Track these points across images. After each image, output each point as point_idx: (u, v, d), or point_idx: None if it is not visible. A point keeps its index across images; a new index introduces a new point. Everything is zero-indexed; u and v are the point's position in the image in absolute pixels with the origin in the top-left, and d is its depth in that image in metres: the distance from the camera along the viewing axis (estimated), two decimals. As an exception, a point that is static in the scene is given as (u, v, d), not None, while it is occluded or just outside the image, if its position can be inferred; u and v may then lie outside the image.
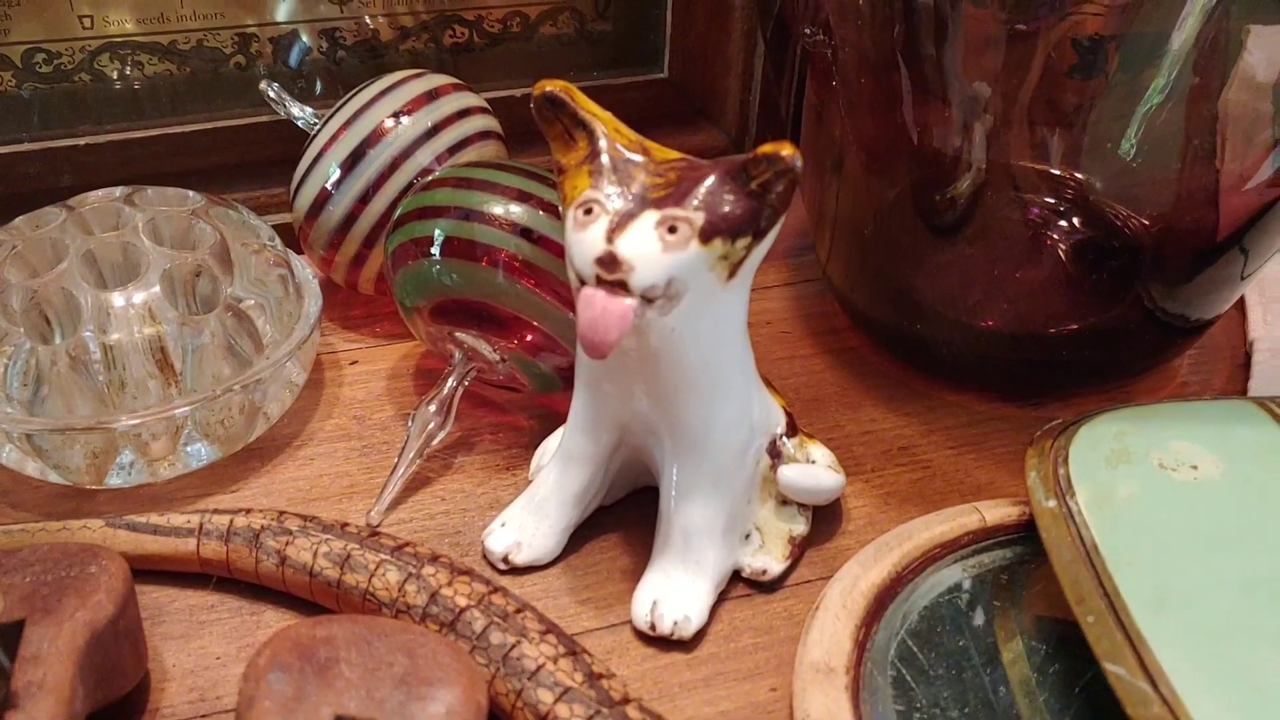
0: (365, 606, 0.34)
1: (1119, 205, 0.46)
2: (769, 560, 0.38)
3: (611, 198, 0.32)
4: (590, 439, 0.37)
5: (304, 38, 0.56)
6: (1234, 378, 0.50)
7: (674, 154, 0.34)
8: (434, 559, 0.35)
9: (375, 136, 0.46)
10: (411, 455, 0.41)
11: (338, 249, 0.47)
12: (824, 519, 0.40)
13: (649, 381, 0.35)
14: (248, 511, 0.37)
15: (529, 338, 0.41)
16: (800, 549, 0.38)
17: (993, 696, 0.33)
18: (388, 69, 0.53)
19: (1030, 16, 0.40)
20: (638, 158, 0.33)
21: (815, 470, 0.38)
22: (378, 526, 0.39)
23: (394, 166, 0.46)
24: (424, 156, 0.46)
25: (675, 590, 0.36)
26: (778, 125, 0.59)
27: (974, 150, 0.43)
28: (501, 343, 0.41)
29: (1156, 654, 0.29)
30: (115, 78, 0.54)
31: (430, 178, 0.43)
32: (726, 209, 0.31)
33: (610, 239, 0.31)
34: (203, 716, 0.33)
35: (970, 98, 0.42)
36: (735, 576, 0.38)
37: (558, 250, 0.39)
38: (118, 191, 0.44)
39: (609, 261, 0.31)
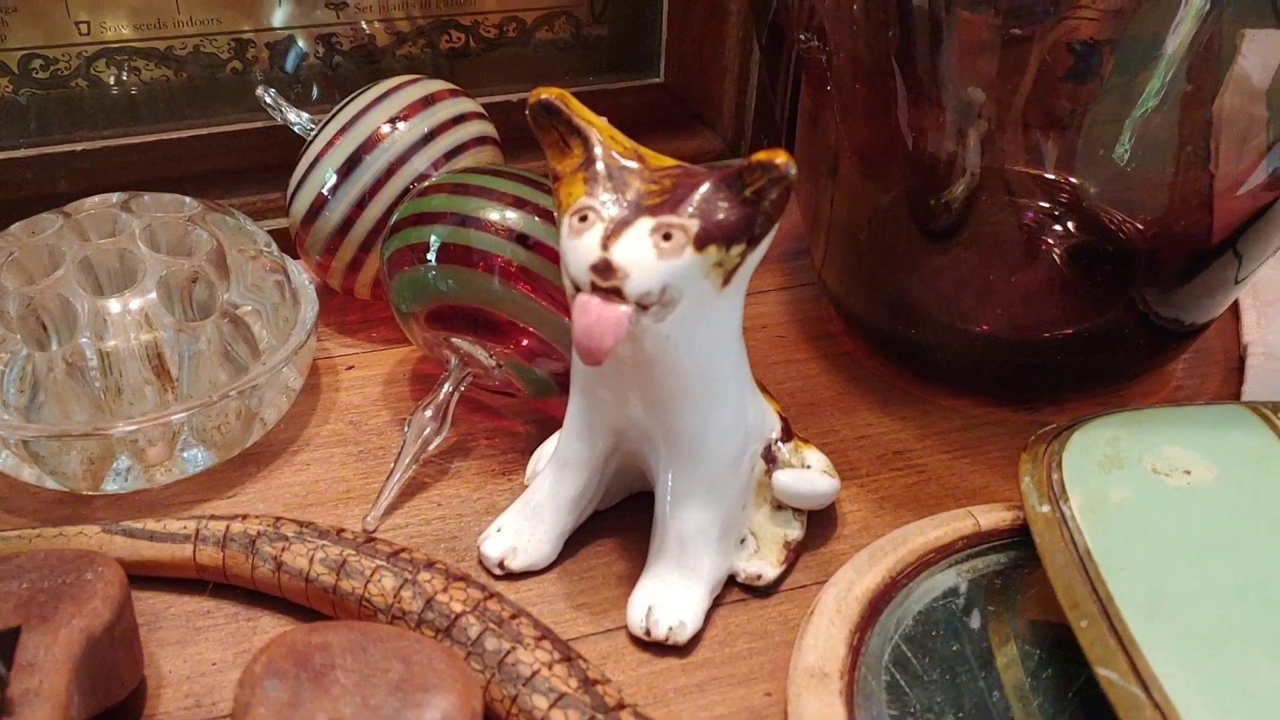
0: (361, 612, 0.35)
1: (1114, 210, 0.46)
2: (764, 565, 0.38)
3: (606, 205, 0.32)
4: (585, 444, 0.38)
5: (300, 43, 0.56)
6: (1228, 381, 0.50)
7: (669, 161, 0.34)
8: (430, 565, 0.35)
9: (371, 142, 0.46)
10: (407, 461, 0.41)
11: (334, 254, 0.47)
12: (819, 523, 0.40)
13: (644, 388, 0.35)
14: (244, 517, 0.37)
15: (525, 343, 0.41)
16: (795, 554, 0.39)
17: (987, 701, 0.33)
18: (384, 74, 0.53)
19: (1025, 21, 0.40)
20: (633, 165, 0.33)
21: (810, 475, 0.38)
22: (374, 532, 0.39)
23: (390, 172, 0.46)
24: (420, 162, 0.46)
25: (670, 596, 0.36)
26: (773, 130, 0.59)
27: (968, 155, 0.43)
28: (497, 348, 0.41)
29: (1149, 659, 0.29)
30: (112, 83, 0.54)
31: (426, 184, 0.43)
32: (721, 216, 0.31)
33: (605, 246, 0.31)
34: (199, 722, 0.33)
35: (964, 103, 0.42)
36: (730, 581, 0.38)
37: (553, 256, 0.39)
38: (114, 198, 0.44)
39: (604, 268, 0.31)
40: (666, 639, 0.35)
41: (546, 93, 0.34)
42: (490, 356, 0.41)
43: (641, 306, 0.31)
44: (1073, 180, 0.46)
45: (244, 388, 0.40)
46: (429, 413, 0.41)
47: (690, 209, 0.31)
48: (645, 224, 0.31)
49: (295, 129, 0.51)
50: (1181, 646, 0.30)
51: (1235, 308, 0.54)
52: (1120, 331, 0.46)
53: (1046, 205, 0.46)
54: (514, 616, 0.33)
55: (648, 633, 0.35)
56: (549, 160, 0.34)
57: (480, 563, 0.38)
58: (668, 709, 0.34)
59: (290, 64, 0.57)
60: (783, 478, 0.38)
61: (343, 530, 0.37)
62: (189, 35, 0.54)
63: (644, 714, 0.31)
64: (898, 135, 0.44)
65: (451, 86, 0.49)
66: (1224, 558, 0.33)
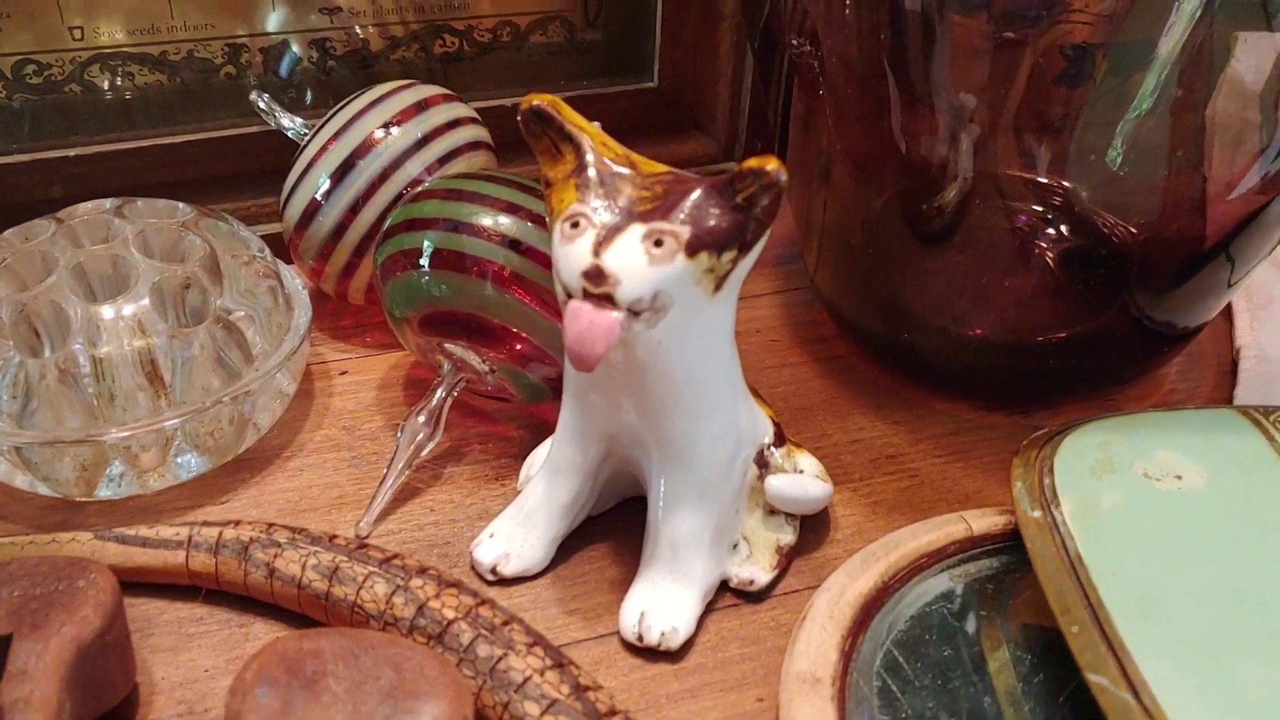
0: (353, 619, 0.35)
1: (1106, 213, 0.46)
2: (756, 570, 0.38)
3: (598, 211, 0.32)
4: (578, 450, 0.38)
5: (294, 48, 0.56)
6: (1221, 384, 0.50)
7: (661, 167, 0.34)
8: (422, 571, 0.35)
9: (365, 147, 0.46)
10: (400, 466, 0.41)
11: (328, 259, 0.47)
12: (812, 528, 0.40)
13: (636, 393, 0.35)
14: (236, 524, 0.37)
15: (518, 348, 0.41)
16: (788, 559, 0.39)
17: (979, 706, 0.33)
18: (378, 79, 0.53)
19: (1017, 25, 0.40)
20: (624, 171, 0.33)
21: (803, 480, 0.39)
22: (366, 538, 0.39)
23: (384, 177, 0.46)
24: (414, 167, 0.47)
25: (663, 601, 0.36)
26: (767, 134, 0.59)
27: (961, 159, 0.43)
28: (490, 353, 0.41)
29: (1139, 664, 0.29)
30: (106, 89, 0.54)
31: (419, 189, 0.43)
32: (712, 222, 0.31)
33: (597, 252, 0.31)
34: (191, 729, 0.33)
35: (957, 107, 0.42)
36: (723, 587, 0.38)
37: (546, 262, 0.39)
38: (108, 203, 0.44)
39: (595, 275, 0.31)
40: (659, 645, 0.35)
41: (538, 99, 0.34)
42: (483, 362, 0.42)
43: (633, 313, 0.31)
44: (1065, 184, 0.46)
45: (237, 393, 0.40)
46: (422, 418, 0.41)
47: (682, 215, 0.31)
48: (637, 230, 0.31)
49: (289, 134, 0.51)
50: (1172, 652, 0.30)
51: (1228, 311, 0.54)
52: (1113, 335, 0.46)
53: (1039, 209, 0.46)
54: (506, 623, 0.33)
55: (640, 638, 0.35)
56: (541, 166, 0.34)
57: (473, 568, 0.38)
58: (660, 715, 0.34)
59: (284, 69, 0.57)
60: (775, 483, 0.38)
61: (335, 536, 0.37)
62: (183, 40, 0.54)
63: (636, 720, 0.31)
64: (890, 139, 0.44)
65: (445, 91, 0.49)
66: (1214, 562, 0.33)
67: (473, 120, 0.49)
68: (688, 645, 0.36)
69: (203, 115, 0.56)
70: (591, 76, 0.62)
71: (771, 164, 0.31)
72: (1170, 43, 0.38)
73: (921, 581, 0.37)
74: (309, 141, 0.47)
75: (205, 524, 0.37)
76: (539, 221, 0.40)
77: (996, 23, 0.40)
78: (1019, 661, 0.34)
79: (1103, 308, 0.46)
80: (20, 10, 0.51)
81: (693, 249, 0.31)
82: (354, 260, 0.47)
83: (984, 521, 0.38)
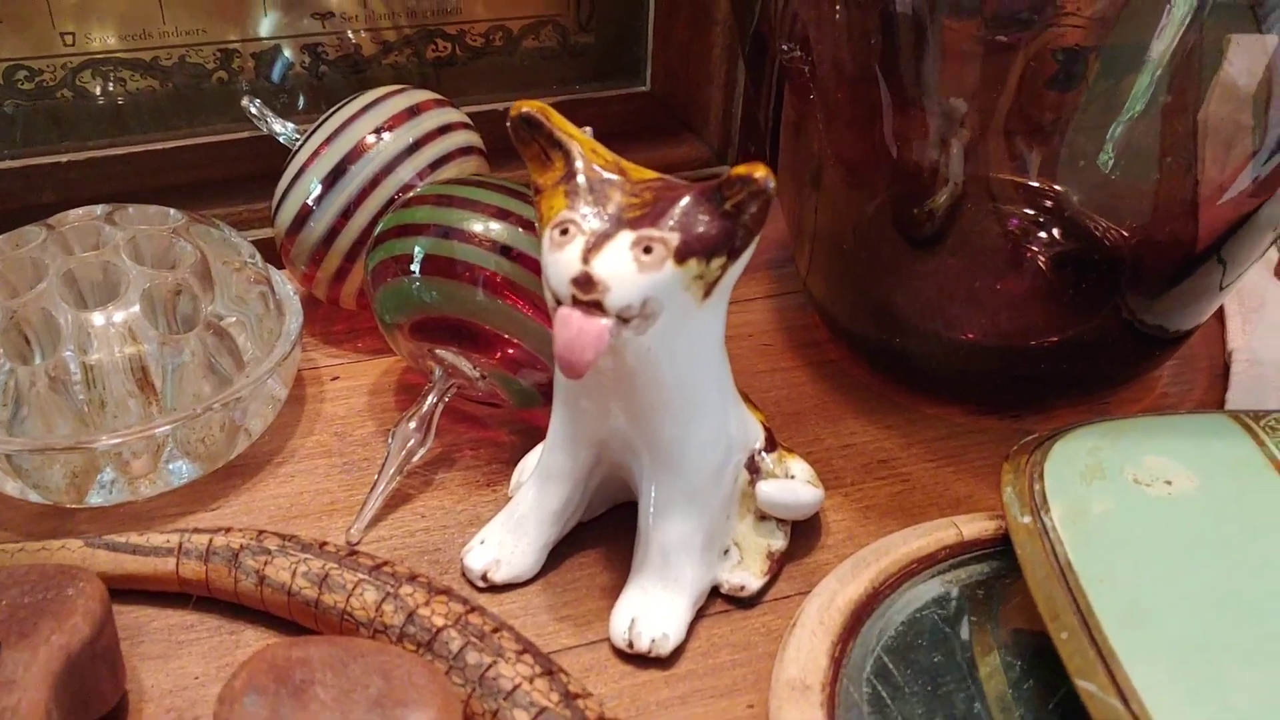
0: (343, 626, 0.35)
1: (1098, 217, 0.46)
2: (747, 576, 0.38)
3: (588, 218, 0.32)
4: (569, 456, 0.38)
5: (286, 53, 0.56)
6: (1214, 388, 0.50)
7: (650, 174, 0.34)
8: (412, 578, 0.35)
9: (357, 152, 0.46)
10: (391, 472, 0.41)
11: (319, 265, 0.47)
12: (803, 533, 0.40)
13: (626, 399, 0.35)
14: (227, 530, 0.37)
15: (509, 354, 0.41)
16: (779, 564, 0.39)
17: (969, 712, 0.33)
18: (370, 83, 0.53)
19: (1009, 29, 0.40)
20: (614, 178, 0.33)
21: (794, 485, 0.39)
22: (357, 544, 0.39)
23: (375, 182, 0.46)
24: (405, 172, 0.47)
25: (653, 608, 0.36)
26: (760, 138, 0.59)
27: (952, 163, 0.43)
28: (482, 359, 0.41)
29: (1128, 671, 0.29)
30: (97, 94, 0.54)
31: (410, 195, 0.43)
32: (701, 229, 0.31)
33: (586, 259, 0.31)
34: (181, 737, 0.33)
35: (948, 111, 0.42)
36: (714, 593, 0.38)
37: (537, 267, 0.39)
38: (98, 210, 0.44)
39: (585, 282, 0.31)
40: (649, 651, 0.35)
41: (527, 106, 0.34)
42: (474, 368, 0.42)
43: (622, 319, 0.31)
44: (1057, 188, 0.46)
45: (227, 400, 0.40)
46: (413, 424, 0.41)
47: (671, 222, 0.31)
48: (626, 237, 0.31)
49: (281, 139, 0.51)
50: (1161, 658, 0.30)
51: (1220, 314, 0.54)
52: (1105, 339, 0.46)
53: (1031, 213, 0.46)
54: (496, 630, 0.33)
55: (630, 645, 0.35)
56: (530, 173, 0.34)
57: (464, 575, 0.38)
58: (650, 721, 0.34)
59: (276, 74, 0.57)
60: (766, 488, 0.38)
61: (325, 543, 0.37)
62: (175, 45, 0.54)
63: (625, 727, 0.31)
64: (881, 144, 0.44)
65: (437, 96, 0.49)
66: (1204, 568, 0.33)
67: (464, 125, 0.49)
68: (678, 651, 0.36)
69: (195, 120, 0.56)
70: (584, 80, 0.62)
71: (759, 171, 0.31)
72: (1161, 46, 0.38)
73: (912, 587, 0.37)
74: (301, 147, 0.47)
75: (196, 531, 0.37)
76: (530, 227, 0.40)
77: (988, 27, 0.40)
78: (1009, 667, 0.34)
79: (1094, 311, 0.46)
80: (12, 16, 0.51)
81: (682, 256, 0.31)
82: (346, 265, 0.47)
83: (975, 527, 0.38)
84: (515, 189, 0.41)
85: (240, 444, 0.43)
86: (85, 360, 0.39)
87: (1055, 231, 0.47)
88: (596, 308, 0.31)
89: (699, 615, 0.37)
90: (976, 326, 0.47)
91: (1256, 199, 0.41)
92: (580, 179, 0.33)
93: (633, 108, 0.62)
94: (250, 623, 0.37)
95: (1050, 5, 0.39)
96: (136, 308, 0.40)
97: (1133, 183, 0.43)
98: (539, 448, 0.40)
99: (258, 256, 0.45)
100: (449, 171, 0.47)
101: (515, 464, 0.42)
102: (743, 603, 0.38)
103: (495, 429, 0.45)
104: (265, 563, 0.36)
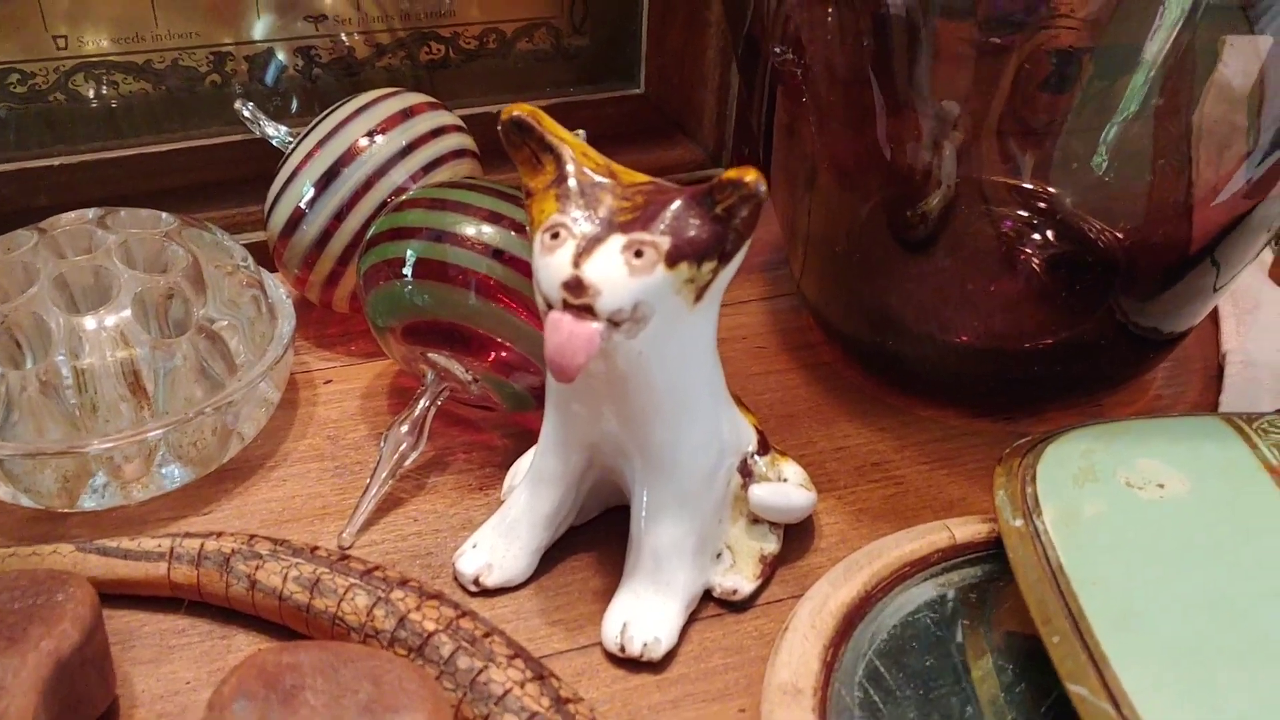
0: (334, 631, 0.34)
1: (1092, 219, 0.46)
2: (740, 580, 0.38)
3: (578, 222, 0.32)
4: (560, 460, 0.38)
5: (280, 56, 0.56)
6: (1208, 390, 0.50)
7: (641, 177, 0.34)
8: (403, 583, 0.35)
9: (349, 155, 0.46)
10: (384, 476, 0.41)
11: (312, 268, 0.47)
12: (796, 536, 0.40)
13: (617, 403, 0.35)
14: (219, 535, 0.37)
15: (502, 357, 0.41)
16: (771, 568, 0.39)
17: (961, 716, 0.33)
18: (364, 86, 0.53)
19: (1002, 31, 0.40)
20: (605, 181, 0.33)
21: (786, 489, 0.38)
22: (349, 549, 0.39)
23: (368, 185, 0.46)
24: (398, 175, 0.46)
25: (645, 612, 0.36)
26: (754, 140, 0.59)
27: (946, 165, 0.43)
28: (474, 363, 0.41)
29: (1119, 675, 0.29)
30: (90, 97, 0.54)
31: (403, 198, 0.43)
32: (692, 233, 0.31)
33: (577, 263, 0.31)
34: (172, 742, 0.33)
35: (941, 113, 0.42)
36: (706, 596, 0.38)
37: (529, 271, 0.39)
38: (90, 213, 0.44)
39: (575, 286, 0.31)
40: (641, 655, 0.35)
41: (518, 109, 0.34)
42: (467, 372, 0.41)
43: (613, 323, 0.31)
44: (1050, 190, 0.46)
45: (219, 404, 0.40)
46: (405, 428, 0.41)
47: (662, 226, 0.31)
48: (617, 241, 0.31)
49: (274, 142, 0.51)
50: (1152, 662, 0.30)
51: (1214, 316, 0.54)
52: (1099, 341, 0.46)
53: (1025, 215, 0.46)
54: (487, 635, 0.33)
55: (622, 649, 0.35)
56: (522, 177, 0.34)
57: (456, 579, 0.38)
58: (642, 726, 0.34)
59: (269, 77, 0.57)
60: (758, 492, 0.38)
61: (317, 548, 0.37)
62: (168, 48, 0.54)
63: (616, 732, 0.31)
64: (874, 146, 0.44)
65: (431, 99, 0.49)
66: (1195, 572, 0.33)
67: (458, 128, 0.49)
68: (670, 656, 0.36)
69: (188, 124, 0.56)
70: (578, 83, 0.62)
71: (750, 175, 0.31)
72: (1154, 48, 0.38)
73: (904, 591, 0.37)
74: (293, 149, 0.47)
75: (187, 535, 0.37)
76: (522, 230, 0.40)
77: (981, 29, 0.40)
78: (1002, 671, 0.34)
79: (1088, 314, 0.46)
80: (4, 19, 0.51)
81: (673, 259, 0.31)
82: (338, 268, 0.47)
83: (967, 530, 0.38)
84: (508, 192, 0.41)
85: (233, 448, 0.43)
86: (77, 364, 0.39)
87: (1049, 234, 0.47)
88: (587, 312, 0.31)
89: (691, 619, 0.37)
90: (970, 329, 0.47)
91: (1250, 200, 0.41)
92: (571, 182, 0.33)
93: (627, 110, 0.62)
94: (242, 627, 0.37)
95: (1044, 6, 0.39)
96: (128, 312, 0.40)
97: (1126, 185, 0.43)
98: (531, 451, 0.40)
99: (250, 260, 0.45)
100: (442, 174, 0.47)
101: (508, 467, 0.42)
102: (735, 606, 0.38)
103: (488, 432, 0.45)
104: (257, 567, 0.36)
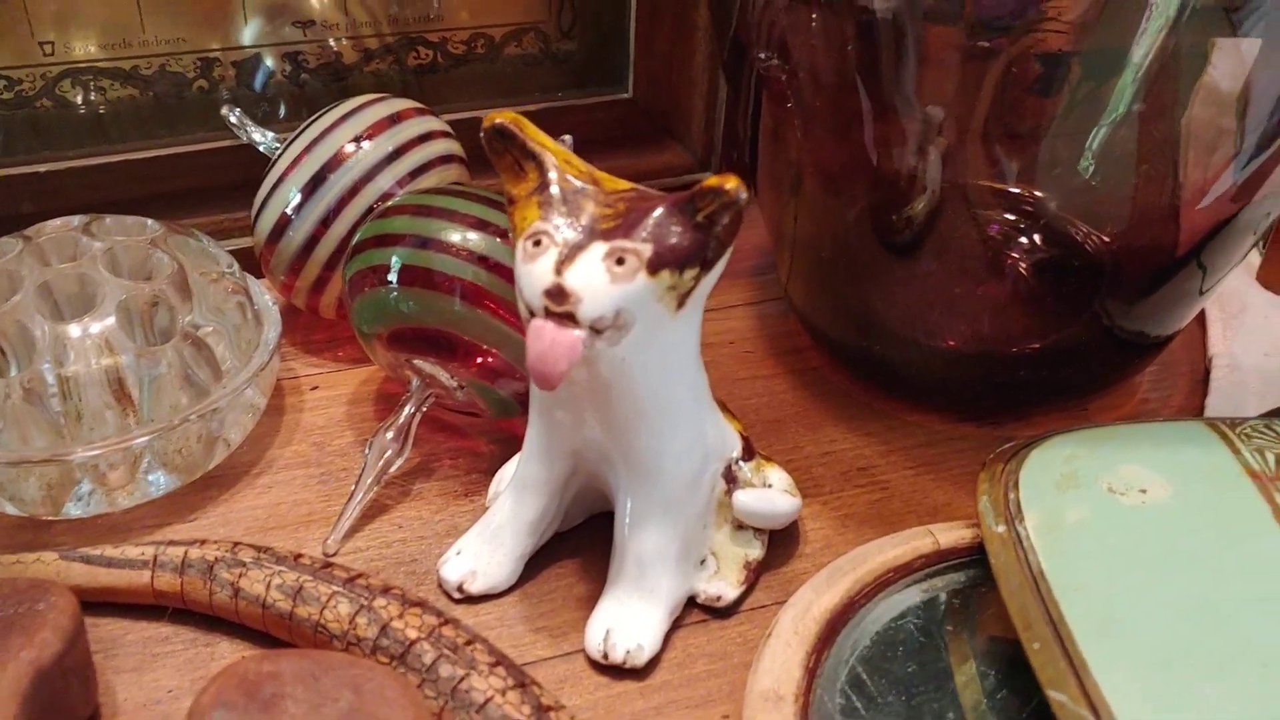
0: (317, 639, 0.34)
1: (1079, 223, 0.46)
2: (724, 586, 0.38)
3: (560, 229, 0.32)
4: (544, 467, 0.38)
5: (268, 61, 0.56)
6: (1194, 394, 0.50)
7: (624, 184, 0.34)
8: (386, 591, 0.35)
9: (336, 161, 0.46)
10: (368, 483, 0.41)
11: (299, 274, 0.47)
12: (781, 542, 0.40)
13: (601, 410, 0.35)
14: (202, 543, 0.37)
15: (488, 362, 0.41)
16: (756, 574, 0.39)
17: (943, 722, 0.33)
18: (352, 91, 0.53)
19: (989, 34, 0.40)
20: (587, 188, 0.33)
21: (771, 495, 0.39)
22: (333, 556, 0.39)
23: (355, 191, 0.46)
24: (385, 180, 0.46)
25: (629, 619, 0.36)
26: (740, 145, 0.59)
27: (931, 170, 0.43)
28: (460, 369, 0.41)
29: (1099, 682, 0.29)
30: (78, 103, 0.54)
31: (389, 204, 0.43)
32: (674, 240, 0.31)
33: (559, 271, 0.31)
34: (154, 751, 0.33)
35: (927, 118, 0.42)
36: (690, 602, 0.38)
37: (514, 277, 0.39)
38: (76, 220, 0.44)
39: (557, 293, 0.31)
40: (624, 662, 0.35)
41: (500, 116, 0.34)
42: (452, 378, 0.41)
43: (595, 331, 0.31)
44: (1037, 194, 0.46)
45: (204, 411, 0.40)
46: (390, 434, 0.41)
47: (644, 233, 0.31)
48: (598, 249, 0.31)
49: (261, 148, 0.51)
50: (1132, 669, 0.30)
51: (1202, 319, 0.54)
52: (1085, 345, 0.46)
53: (1011, 219, 0.46)
54: (469, 642, 0.33)
55: (605, 656, 0.35)
56: (504, 184, 0.34)
57: (440, 586, 0.38)
58: (625, 733, 0.34)
59: (257, 82, 0.57)
60: (743, 498, 0.38)
61: (300, 555, 0.37)
62: (155, 54, 0.54)
63: (598, 739, 0.31)
64: (860, 151, 0.44)
65: (418, 105, 0.49)
66: (1176, 578, 0.33)
67: (445, 134, 0.49)
68: (654, 662, 0.36)
69: (176, 129, 0.56)
70: (566, 88, 0.62)
71: (731, 183, 0.31)
72: (1141, 51, 0.38)
73: (888, 597, 0.37)
74: (280, 155, 0.47)
75: (171, 543, 0.37)
76: (507, 237, 0.40)
77: (967, 33, 0.40)
78: (985, 677, 0.34)
79: (1075, 318, 0.46)
80: (-10, 26, 0.51)
81: (654, 267, 0.31)
82: (325, 274, 0.47)
83: (951, 535, 0.38)
84: (494, 199, 0.41)
85: (219, 454, 0.43)
86: (61, 372, 0.39)
87: (1035, 238, 0.47)
88: (569, 319, 0.31)
89: (675, 625, 0.37)
90: (957, 333, 0.47)
91: (1237, 203, 0.41)
92: (554, 190, 0.33)
93: (615, 115, 0.62)
94: (226, 635, 0.37)
95: (1031, 9, 0.39)
96: (113, 319, 0.40)
97: (1113, 188, 0.43)
98: (517, 457, 0.40)
99: (236, 266, 0.45)
100: (429, 180, 0.47)
101: (494, 473, 0.42)
102: (719, 613, 0.38)
103: (474, 438, 0.45)
104: (240, 575, 0.36)
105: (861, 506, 0.43)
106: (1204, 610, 0.32)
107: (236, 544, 0.37)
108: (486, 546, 0.38)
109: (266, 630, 0.36)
